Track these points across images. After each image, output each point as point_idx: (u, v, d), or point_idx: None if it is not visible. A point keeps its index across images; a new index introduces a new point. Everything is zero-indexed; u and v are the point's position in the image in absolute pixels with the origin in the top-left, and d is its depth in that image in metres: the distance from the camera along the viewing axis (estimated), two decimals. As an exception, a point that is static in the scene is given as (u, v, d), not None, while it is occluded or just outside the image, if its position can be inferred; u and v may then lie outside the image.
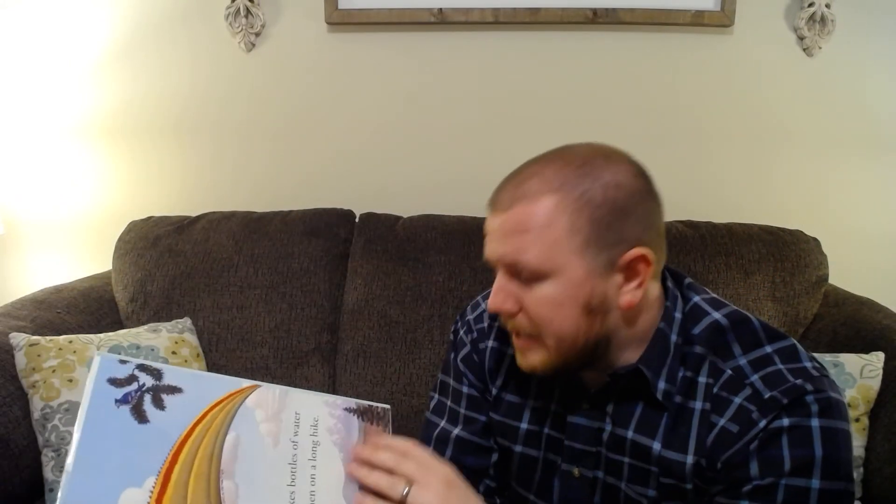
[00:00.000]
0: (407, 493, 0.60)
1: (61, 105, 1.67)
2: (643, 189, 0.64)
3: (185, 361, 1.31)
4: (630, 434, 0.68)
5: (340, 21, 1.60)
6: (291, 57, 1.65)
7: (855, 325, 1.30)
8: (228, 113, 1.69)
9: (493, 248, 0.66)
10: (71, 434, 1.15)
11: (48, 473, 1.13)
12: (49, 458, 1.14)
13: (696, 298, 0.70)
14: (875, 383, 1.16)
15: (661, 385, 0.66)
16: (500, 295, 0.66)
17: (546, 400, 0.75)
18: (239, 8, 1.60)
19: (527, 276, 0.63)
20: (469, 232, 1.46)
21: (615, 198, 0.62)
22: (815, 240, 1.44)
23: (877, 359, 1.18)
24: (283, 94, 1.67)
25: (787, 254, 1.40)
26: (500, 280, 0.66)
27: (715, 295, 0.72)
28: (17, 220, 1.73)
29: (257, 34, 1.63)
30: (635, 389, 0.67)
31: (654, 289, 0.68)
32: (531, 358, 0.67)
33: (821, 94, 1.62)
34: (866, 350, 1.21)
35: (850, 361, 1.18)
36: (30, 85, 1.66)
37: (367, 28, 1.62)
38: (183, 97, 1.68)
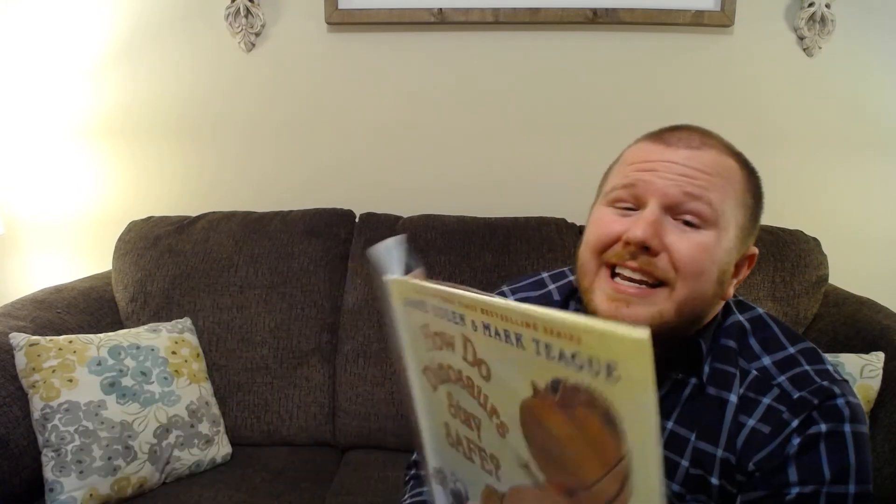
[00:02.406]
0: None
1: (61, 105, 1.67)
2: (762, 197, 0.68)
3: (186, 361, 1.31)
4: (670, 425, 0.67)
5: (340, 21, 1.60)
6: (291, 57, 1.65)
7: (855, 325, 1.30)
8: (228, 113, 1.69)
9: (668, 178, 0.62)
10: (70, 434, 1.15)
11: (48, 473, 1.13)
12: (49, 458, 1.14)
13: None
14: (875, 383, 1.16)
15: (706, 369, 0.66)
16: (654, 227, 0.60)
17: None
18: (239, 8, 1.60)
19: (694, 218, 0.61)
20: (469, 232, 1.46)
21: (762, 195, 0.66)
22: (815, 240, 1.44)
23: (877, 359, 1.18)
24: (283, 94, 1.67)
25: (787, 254, 1.40)
26: (654, 212, 0.61)
27: (741, 297, 0.73)
28: (17, 220, 1.73)
29: (257, 34, 1.63)
30: (686, 378, 0.67)
31: None
32: (639, 310, 0.61)
33: (821, 94, 1.62)
34: (866, 350, 1.21)
35: (850, 361, 1.18)
36: (30, 85, 1.66)
37: (367, 28, 1.62)
38: (183, 97, 1.68)
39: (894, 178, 1.65)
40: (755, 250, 0.66)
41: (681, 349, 0.66)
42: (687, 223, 0.61)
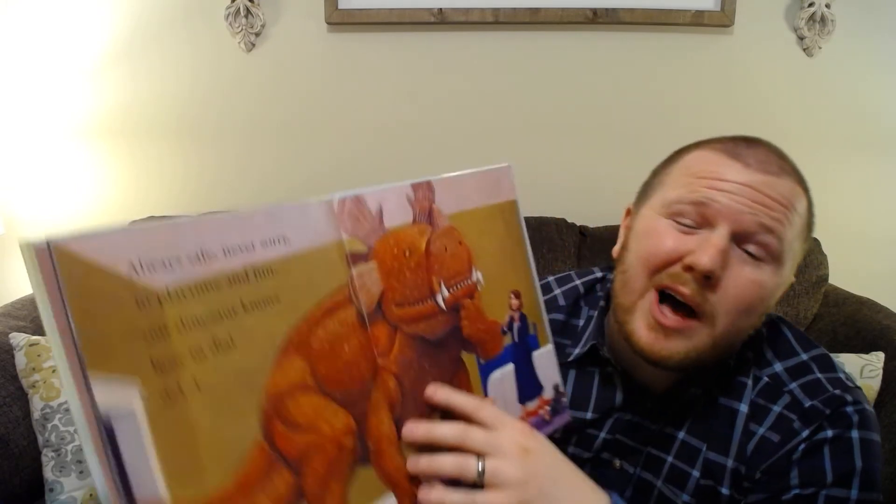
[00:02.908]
0: (482, 472, 0.48)
1: (61, 105, 1.67)
2: None
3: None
4: (682, 435, 0.66)
5: (340, 21, 1.60)
6: (291, 57, 1.65)
7: (855, 325, 1.30)
8: (228, 113, 1.68)
9: (745, 203, 0.56)
10: (70, 434, 1.15)
11: (48, 473, 1.13)
12: (49, 458, 1.14)
13: None
14: (875, 383, 1.17)
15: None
16: (723, 256, 0.55)
17: (582, 410, 0.70)
18: (239, 8, 1.60)
19: (760, 251, 0.57)
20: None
21: (813, 224, 0.63)
22: (815, 240, 1.44)
23: (877, 359, 1.19)
24: (283, 94, 1.67)
25: (787, 254, 1.40)
26: (724, 239, 0.56)
27: None
28: (17, 220, 1.73)
29: (257, 34, 1.63)
30: (705, 394, 0.66)
31: None
32: (677, 344, 0.58)
33: (821, 94, 1.62)
34: (866, 350, 1.21)
35: (850, 361, 1.19)
36: (30, 85, 1.66)
37: (367, 28, 1.62)
38: (183, 97, 1.68)
39: (895, 178, 1.65)
40: (792, 280, 0.63)
41: (712, 370, 0.64)
42: (750, 254, 0.57)
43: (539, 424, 0.60)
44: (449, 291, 0.53)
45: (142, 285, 0.36)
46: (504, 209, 0.59)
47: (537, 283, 0.61)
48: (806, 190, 0.61)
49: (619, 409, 0.69)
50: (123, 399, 0.35)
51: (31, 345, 1.19)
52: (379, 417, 0.47)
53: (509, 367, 0.58)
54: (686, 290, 0.57)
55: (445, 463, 0.49)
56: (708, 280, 0.56)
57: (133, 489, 0.35)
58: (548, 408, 0.61)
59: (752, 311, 0.58)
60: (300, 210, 0.45)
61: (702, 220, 0.58)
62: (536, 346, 0.61)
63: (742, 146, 0.60)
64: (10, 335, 1.21)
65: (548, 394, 0.61)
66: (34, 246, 0.33)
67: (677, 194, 0.60)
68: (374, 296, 0.48)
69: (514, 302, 0.59)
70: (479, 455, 0.49)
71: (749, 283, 0.56)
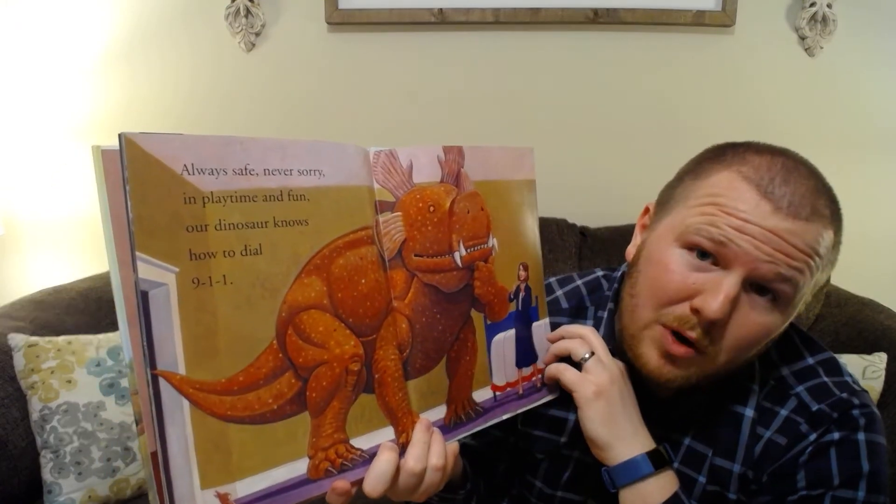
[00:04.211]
0: (589, 357, 0.62)
1: (61, 105, 1.67)
2: None
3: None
4: (687, 440, 0.66)
5: (340, 21, 1.60)
6: (291, 57, 1.65)
7: (857, 325, 1.30)
8: (228, 113, 1.68)
9: (766, 252, 0.54)
10: (69, 436, 1.15)
11: (47, 475, 1.13)
12: (47, 459, 1.13)
13: None
14: (877, 384, 1.16)
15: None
16: (731, 305, 0.54)
17: None
18: (239, 8, 1.60)
19: (772, 297, 0.55)
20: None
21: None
22: (817, 240, 1.43)
23: (879, 359, 1.18)
24: (283, 94, 1.67)
25: (788, 254, 1.39)
26: (735, 286, 0.54)
27: None
28: (17, 220, 1.72)
29: (257, 34, 1.63)
30: (711, 401, 0.65)
31: None
32: (679, 371, 0.58)
33: (822, 93, 1.61)
34: (868, 351, 1.20)
35: (853, 362, 1.18)
36: (30, 85, 1.66)
37: (367, 28, 1.62)
38: (183, 97, 1.68)
39: (895, 178, 1.65)
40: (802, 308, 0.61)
41: (722, 384, 0.64)
42: (763, 299, 0.55)
43: (530, 390, 0.64)
44: (466, 251, 0.57)
45: (191, 185, 0.41)
46: (523, 186, 0.64)
47: (541, 261, 0.66)
48: (836, 223, 0.57)
49: None
50: (161, 276, 0.40)
51: (29, 346, 1.19)
52: (386, 352, 0.51)
53: (511, 332, 0.63)
54: (693, 334, 0.56)
55: (569, 343, 0.63)
56: (713, 324, 0.55)
57: (156, 356, 0.40)
58: (540, 376, 0.65)
59: (754, 347, 0.58)
60: (339, 150, 0.50)
61: (718, 259, 0.56)
62: (536, 318, 0.66)
63: (778, 181, 0.55)
64: (9, 336, 1.21)
65: (541, 364, 0.66)
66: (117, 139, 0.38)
67: (697, 224, 0.57)
68: (397, 243, 0.52)
69: (522, 273, 0.64)
70: (592, 349, 0.62)
71: (755, 327, 0.56)
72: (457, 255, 0.56)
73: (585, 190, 1.66)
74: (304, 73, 1.66)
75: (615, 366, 0.63)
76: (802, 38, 1.58)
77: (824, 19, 1.55)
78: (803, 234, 0.54)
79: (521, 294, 0.63)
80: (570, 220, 1.52)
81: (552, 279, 0.79)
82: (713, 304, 0.54)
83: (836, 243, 0.59)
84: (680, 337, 0.57)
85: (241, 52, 1.64)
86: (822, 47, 1.58)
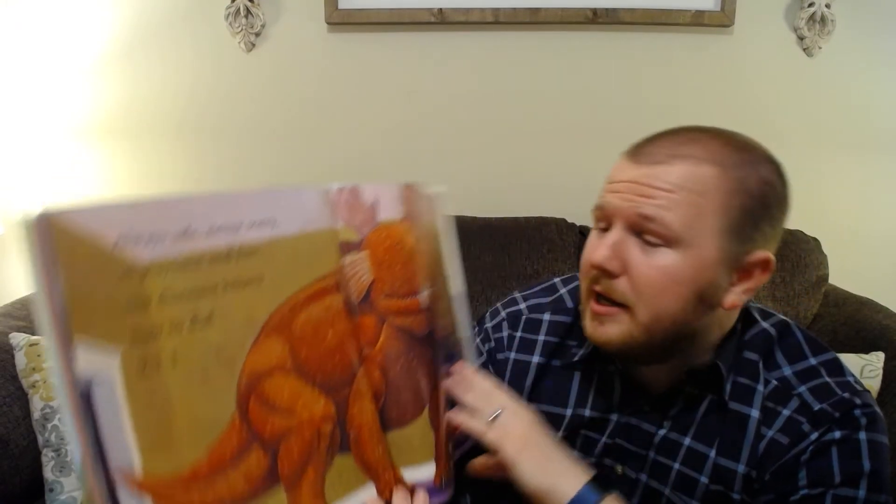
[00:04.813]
0: (496, 417, 0.60)
1: (61, 105, 1.67)
2: (784, 195, 0.64)
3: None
4: (687, 441, 0.66)
5: (340, 21, 1.60)
6: (291, 57, 1.65)
7: (855, 325, 1.30)
8: (228, 113, 1.68)
9: (627, 199, 0.60)
10: (71, 434, 1.15)
11: (48, 473, 1.13)
12: (49, 458, 1.14)
13: (749, 305, 0.69)
14: (875, 383, 1.17)
15: (728, 386, 0.65)
16: (611, 250, 0.60)
17: (583, 406, 0.72)
18: (239, 8, 1.60)
19: (654, 237, 0.59)
20: (469, 232, 1.46)
21: (766, 194, 0.61)
22: (815, 240, 1.44)
23: (877, 359, 1.19)
24: (283, 94, 1.67)
25: (787, 254, 1.40)
26: (615, 235, 0.61)
27: (761, 305, 0.72)
28: (17, 219, 1.73)
29: (257, 34, 1.63)
30: (701, 393, 0.66)
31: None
32: (610, 329, 0.62)
33: (821, 94, 1.62)
34: (866, 350, 1.21)
35: (851, 361, 1.18)
36: (30, 85, 1.66)
37: (367, 28, 1.62)
38: (183, 97, 1.68)
39: (894, 178, 1.65)
40: (765, 255, 0.62)
41: (699, 370, 0.65)
42: (647, 242, 0.60)
43: None
44: (429, 288, 0.54)
45: (125, 258, 0.37)
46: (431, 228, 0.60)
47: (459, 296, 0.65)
48: (726, 166, 0.60)
49: (618, 410, 0.69)
50: (103, 365, 0.36)
51: (30, 345, 1.19)
52: (362, 405, 0.47)
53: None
54: (599, 287, 0.62)
55: (475, 400, 0.60)
56: (610, 273, 0.61)
57: (107, 456, 0.35)
58: None
59: (665, 294, 0.59)
60: (293, 195, 0.45)
61: (607, 223, 0.63)
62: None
63: (641, 144, 0.63)
64: (10, 335, 1.21)
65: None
66: (31, 217, 0.36)
67: (596, 202, 0.65)
68: (364, 285, 0.48)
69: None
70: (501, 407, 0.61)
71: (648, 269, 0.59)
72: (424, 295, 0.53)
73: (585, 190, 1.64)
74: (304, 73, 1.66)
75: (525, 410, 0.63)
76: (801, 38, 1.59)
77: (823, 19, 1.55)
78: (663, 175, 0.59)
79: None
80: (570, 220, 1.52)
81: (556, 279, 0.81)
82: (596, 254, 0.61)
83: (738, 188, 0.59)
84: (603, 299, 0.63)
85: (241, 52, 1.65)
86: (820, 47, 1.59)
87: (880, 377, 1.17)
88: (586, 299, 0.65)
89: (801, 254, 1.40)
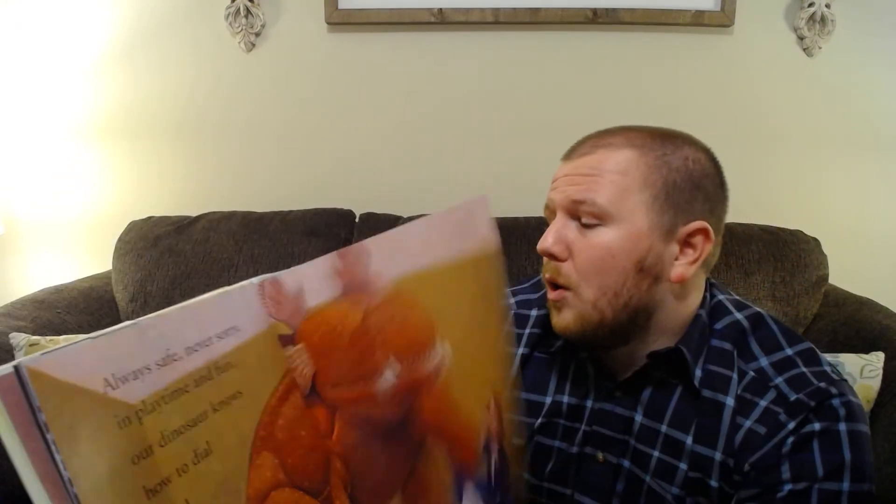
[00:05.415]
0: None
1: (61, 105, 1.67)
2: (716, 175, 0.68)
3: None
4: (664, 428, 0.67)
5: (340, 21, 1.60)
6: (291, 57, 1.65)
7: (855, 324, 1.30)
8: (228, 113, 1.69)
9: (562, 191, 0.67)
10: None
11: (48, 473, 1.13)
12: (49, 458, 1.14)
13: (721, 297, 0.71)
14: (875, 383, 1.16)
15: (698, 373, 0.66)
16: (554, 236, 0.66)
17: (561, 393, 0.74)
18: (239, 8, 1.60)
19: (589, 218, 0.64)
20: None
21: (691, 169, 0.65)
22: (815, 240, 1.44)
23: (877, 359, 1.18)
24: (283, 94, 1.67)
25: (786, 254, 1.40)
26: (558, 223, 0.67)
27: (738, 297, 0.73)
28: (17, 220, 1.73)
29: (257, 34, 1.64)
30: (670, 379, 0.67)
31: (701, 278, 0.69)
32: (566, 315, 0.67)
33: (821, 94, 1.62)
34: (866, 350, 1.21)
35: (850, 361, 1.18)
36: (30, 85, 1.66)
37: (367, 28, 1.62)
38: (183, 97, 1.68)
39: (894, 178, 1.65)
40: (701, 224, 0.64)
41: (663, 354, 0.67)
42: (585, 225, 0.65)
43: None
44: (401, 366, 0.48)
45: (119, 401, 0.32)
46: (478, 262, 0.54)
47: (513, 380, 0.65)
48: (646, 147, 0.65)
49: (593, 397, 0.72)
50: None
51: (31, 345, 1.19)
52: (342, 501, 0.44)
53: (478, 494, 0.52)
54: (547, 273, 0.68)
55: None
56: (557, 257, 0.66)
57: None
58: None
59: (604, 269, 0.64)
60: (243, 295, 0.41)
61: (553, 218, 0.69)
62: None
63: (575, 144, 0.70)
64: (11, 335, 1.21)
65: None
66: (2, 373, 0.28)
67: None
68: (307, 377, 0.44)
69: (493, 410, 0.53)
70: None
71: (587, 247, 0.65)
72: (388, 375, 0.47)
73: (585, 189, 1.66)
74: (304, 73, 1.66)
75: None
76: (801, 38, 1.59)
77: (823, 19, 1.55)
78: (587, 163, 0.66)
79: (493, 456, 0.52)
80: (570, 220, 1.53)
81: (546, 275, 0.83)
82: (543, 241, 0.67)
83: (656, 164, 0.65)
84: (554, 287, 0.68)
85: (241, 52, 1.65)
86: (820, 47, 1.59)
87: (880, 377, 1.17)
88: (549, 292, 0.69)
89: (801, 254, 1.40)
